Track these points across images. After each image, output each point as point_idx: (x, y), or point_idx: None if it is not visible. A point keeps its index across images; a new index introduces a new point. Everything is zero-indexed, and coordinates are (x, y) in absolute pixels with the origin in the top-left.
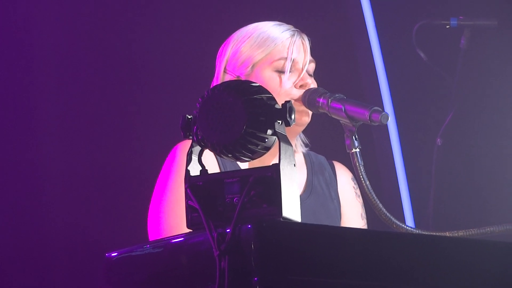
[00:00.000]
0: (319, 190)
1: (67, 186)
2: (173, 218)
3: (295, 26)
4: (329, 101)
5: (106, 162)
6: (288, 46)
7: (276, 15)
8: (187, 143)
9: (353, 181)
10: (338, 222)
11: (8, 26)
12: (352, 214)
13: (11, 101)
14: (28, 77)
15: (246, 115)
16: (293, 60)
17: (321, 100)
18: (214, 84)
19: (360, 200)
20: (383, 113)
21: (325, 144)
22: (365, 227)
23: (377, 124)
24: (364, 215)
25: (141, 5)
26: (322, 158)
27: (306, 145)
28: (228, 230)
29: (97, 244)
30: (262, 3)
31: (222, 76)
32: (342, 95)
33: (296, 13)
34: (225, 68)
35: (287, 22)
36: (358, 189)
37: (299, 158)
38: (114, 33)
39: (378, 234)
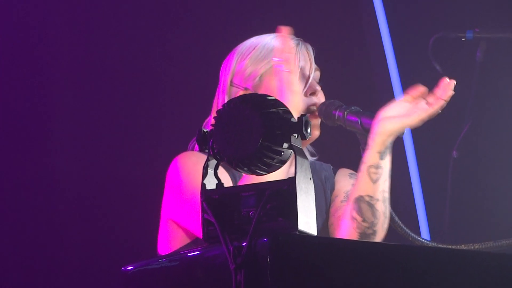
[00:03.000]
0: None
1: (77, 190)
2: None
3: (307, 32)
4: (345, 114)
5: (117, 168)
6: (295, 55)
7: (290, 19)
8: (186, 154)
9: (351, 175)
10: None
11: (17, 25)
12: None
13: (17, 102)
14: (32, 79)
15: (262, 128)
16: (300, 68)
17: (337, 113)
18: (219, 97)
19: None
20: None
21: (333, 153)
22: None
23: None
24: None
25: (149, 9)
26: (327, 167)
27: (312, 155)
28: (244, 244)
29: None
30: (273, 3)
31: (228, 89)
32: (358, 108)
33: (311, 22)
34: (231, 81)
35: (300, 27)
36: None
37: None
38: (117, 39)
39: (394, 248)
